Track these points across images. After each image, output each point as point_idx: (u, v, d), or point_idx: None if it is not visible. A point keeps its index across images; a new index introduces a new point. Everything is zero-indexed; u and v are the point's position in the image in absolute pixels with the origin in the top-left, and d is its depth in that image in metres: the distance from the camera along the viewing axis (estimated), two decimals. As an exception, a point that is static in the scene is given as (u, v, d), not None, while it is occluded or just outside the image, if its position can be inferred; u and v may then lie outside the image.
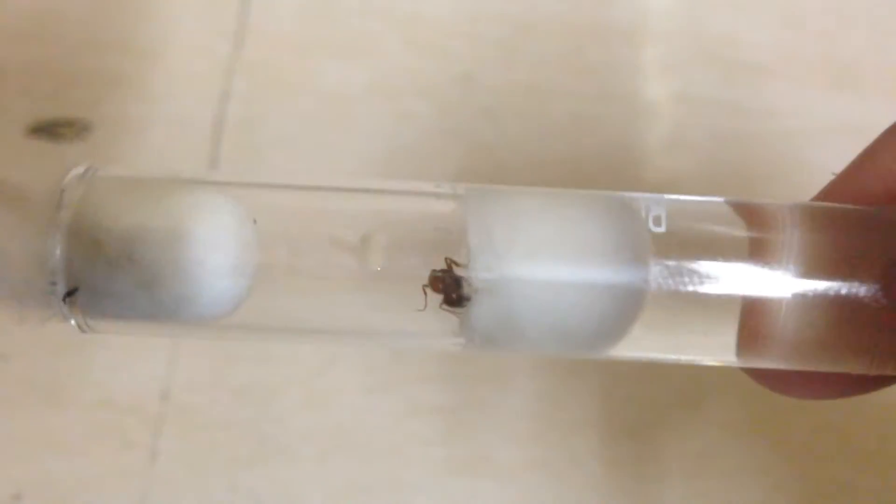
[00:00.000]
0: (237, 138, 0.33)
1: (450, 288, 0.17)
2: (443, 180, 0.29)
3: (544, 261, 0.17)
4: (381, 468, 0.30)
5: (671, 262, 0.18)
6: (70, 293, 0.17)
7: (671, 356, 0.20)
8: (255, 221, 0.18)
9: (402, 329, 0.19)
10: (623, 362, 0.31)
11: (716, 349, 0.19)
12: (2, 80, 0.32)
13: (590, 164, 0.33)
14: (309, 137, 0.33)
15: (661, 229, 0.18)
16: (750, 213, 0.19)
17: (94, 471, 0.30)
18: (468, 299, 0.17)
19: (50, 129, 0.32)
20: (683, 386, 0.31)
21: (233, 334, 0.19)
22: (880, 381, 0.19)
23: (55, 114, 0.32)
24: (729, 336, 0.18)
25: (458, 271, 0.17)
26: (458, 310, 0.18)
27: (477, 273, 0.17)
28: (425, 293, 0.18)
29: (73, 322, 0.18)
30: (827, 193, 0.20)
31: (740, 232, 0.18)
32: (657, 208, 0.18)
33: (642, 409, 0.31)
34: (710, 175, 0.33)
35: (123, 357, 0.31)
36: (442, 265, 0.18)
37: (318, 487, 0.30)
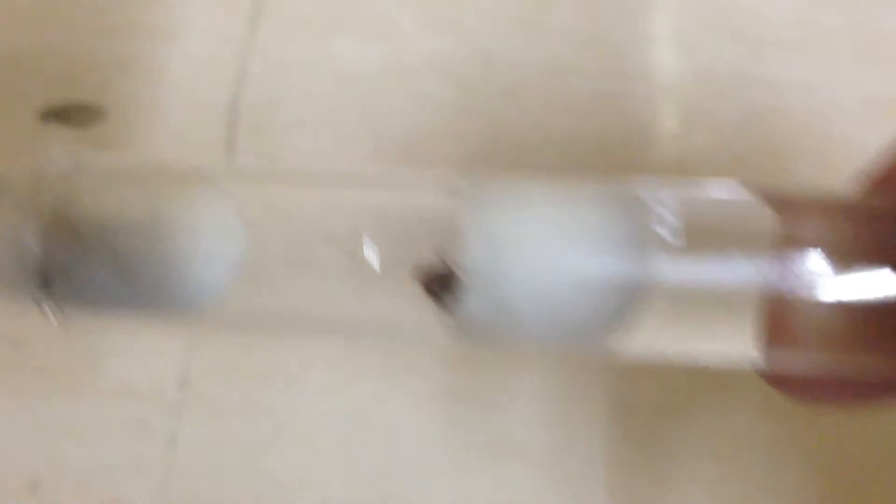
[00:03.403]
0: (253, 121, 0.32)
1: (433, 283, 0.17)
2: (460, 162, 0.29)
3: (538, 254, 0.17)
4: (404, 453, 0.30)
5: (681, 255, 0.17)
6: (46, 281, 0.17)
7: (681, 355, 0.19)
8: (241, 214, 0.17)
9: (395, 324, 0.19)
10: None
11: (730, 350, 0.18)
12: (14, 64, 0.32)
13: (613, 142, 0.32)
14: (325, 119, 0.33)
15: (673, 239, 0.17)
16: (774, 203, 0.17)
17: (112, 459, 0.30)
18: (453, 293, 0.17)
19: (63, 114, 0.32)
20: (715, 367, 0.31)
21: (218, 326, 0.19)
22: None
23: (68, 98, 0.32)
24: (743, 336, 0.18)
25: (448, 266, 0.17)
26: (444, 304, 0.17)
27: (468, 266, 0.17)
28: (419, 289, 0.17)
29: (49, 312, 0.17)
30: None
31: (760, 225, 0.17)
32: (671, 217, 0.17)
33: (672, 390, 0.31)
34: (737, 152, 0.32)
35: (141, 344, 0.31)
36: (437, 259, 0.17)
37: (339, 473, 0.30)
